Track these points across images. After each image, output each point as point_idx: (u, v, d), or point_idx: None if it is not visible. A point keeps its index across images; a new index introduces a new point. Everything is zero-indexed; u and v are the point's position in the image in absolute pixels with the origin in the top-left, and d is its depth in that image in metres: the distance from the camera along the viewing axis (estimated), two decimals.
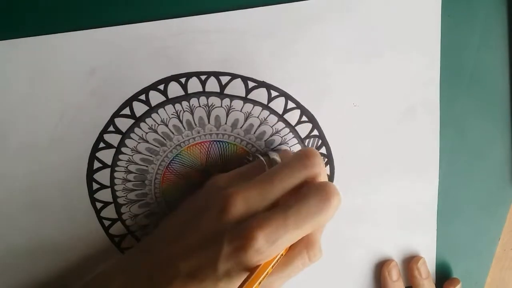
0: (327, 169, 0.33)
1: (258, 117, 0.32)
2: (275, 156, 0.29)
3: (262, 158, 0.29)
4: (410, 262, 0.35)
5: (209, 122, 0.31)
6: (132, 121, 0.31)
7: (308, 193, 0.25)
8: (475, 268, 0.36)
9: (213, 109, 0.31)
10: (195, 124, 0.31)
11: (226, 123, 0.31)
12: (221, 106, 0.31)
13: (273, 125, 0.32)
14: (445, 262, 0.36)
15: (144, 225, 0.33)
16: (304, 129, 0.32)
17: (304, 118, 0.32)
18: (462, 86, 0.33)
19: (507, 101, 0.34)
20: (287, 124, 0.32)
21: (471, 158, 0.34)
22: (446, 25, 0.32)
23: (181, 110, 0.31)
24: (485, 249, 0.36)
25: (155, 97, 0.30)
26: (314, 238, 0.27)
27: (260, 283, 0.24)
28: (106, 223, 0.32)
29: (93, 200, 0.32)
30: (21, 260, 0.32)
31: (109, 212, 0.32)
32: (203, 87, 0.30)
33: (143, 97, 0.30)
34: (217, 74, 0.30)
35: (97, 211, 0.32)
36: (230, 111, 0.31)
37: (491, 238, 0.36)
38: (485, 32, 0.32)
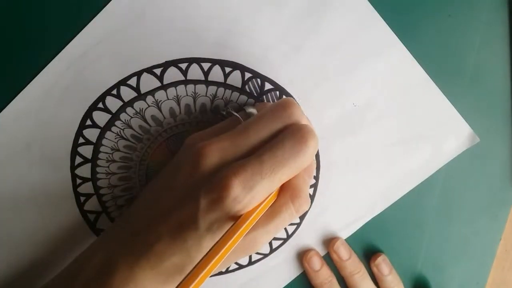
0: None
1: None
2: (252, 109, 0.28)
3: (237, 114, 0.28)
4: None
5: (196, 110, 0.31)
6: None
7: (283, 137, 0.24)
8: (477, 269, 0.36)
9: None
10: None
11: None
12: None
13: None
14: (446, 262, 0.35)
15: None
16: None
17: None
18: (463, 86, 0.33)
19: (508, 101, 0.34)
20: None
21: (471, 158, 0.34)
22: (447, 25, 0.32)
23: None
24: (487, 249, 0.36)
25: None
26: (300, 188, 0.26)
27: (243, 234, 0.23)
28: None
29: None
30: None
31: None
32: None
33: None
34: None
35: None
36: None
37: (492, 238, 0.36)
38: (486, 32, 0.33)
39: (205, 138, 0.26)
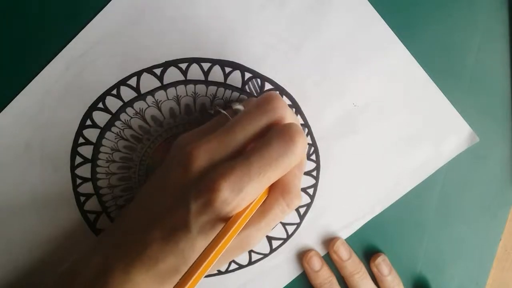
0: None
1: None
2: (238, 106, 0.28)
3: (224, 111, 0.28)
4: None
5: (196, 110, 0.31)
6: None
7: (270, 137, 0.24)
8: (476, 269, 0.36)
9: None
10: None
11: None
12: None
13: None
14: (446, 263, 0.35)
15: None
16: None
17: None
18: (463, 86, 0.33)
19: (508, 101, 0.34)
20: None
21: (471, 158, 0.34)
22: (447, 25, 0.32)
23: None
24: (486, 249, 0.36)
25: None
26: (290, 183, 0.26)
27: (235, 234, 0.23)
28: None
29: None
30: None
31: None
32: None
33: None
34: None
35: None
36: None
37: (492, 238, 0.36)
38: (486, 31, 0.33)
39: (194, 139, 0.26)
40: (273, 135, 0.24)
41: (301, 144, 0.24)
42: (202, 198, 0.23)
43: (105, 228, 0.31)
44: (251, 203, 0.24)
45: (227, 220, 0.23)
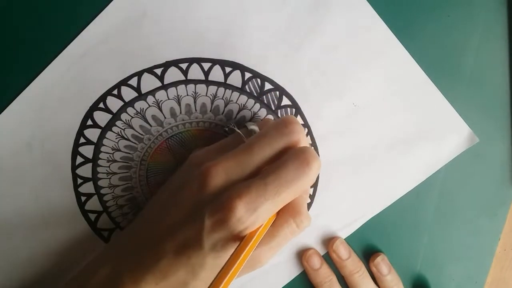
0: None
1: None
2: (253, 127, 0.29)
3: (239, 130, 0.28)
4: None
5: (196, 110, 0.31)
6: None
7: (287, 159, 0.25)
8: (475, 268, 0.36)
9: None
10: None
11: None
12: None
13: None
14: (445, 262, 0.35)
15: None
16: None
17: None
18: (462, 86, 0.33)
19: (507, 101, 0.34)
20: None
21: (471, 158, 0.34)
22: (446, 25, 0.32)
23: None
24: (485, 248, 0.36)
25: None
26: (300, 205, 0.27)
27: (248, 253, 0.23)
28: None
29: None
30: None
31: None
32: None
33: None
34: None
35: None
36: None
37: (491, 238, 0.36)
38: (485, 32, 0.33)
39: (209, 156, 0.27)
40: (289, 158, 0.25)
41: (316, 167, 0.25)
42: (217, 215, 0.24)
43: (112, 238, 0.31)
44: (263, 223, 0.25)
45: (239, 239, 0.24)
